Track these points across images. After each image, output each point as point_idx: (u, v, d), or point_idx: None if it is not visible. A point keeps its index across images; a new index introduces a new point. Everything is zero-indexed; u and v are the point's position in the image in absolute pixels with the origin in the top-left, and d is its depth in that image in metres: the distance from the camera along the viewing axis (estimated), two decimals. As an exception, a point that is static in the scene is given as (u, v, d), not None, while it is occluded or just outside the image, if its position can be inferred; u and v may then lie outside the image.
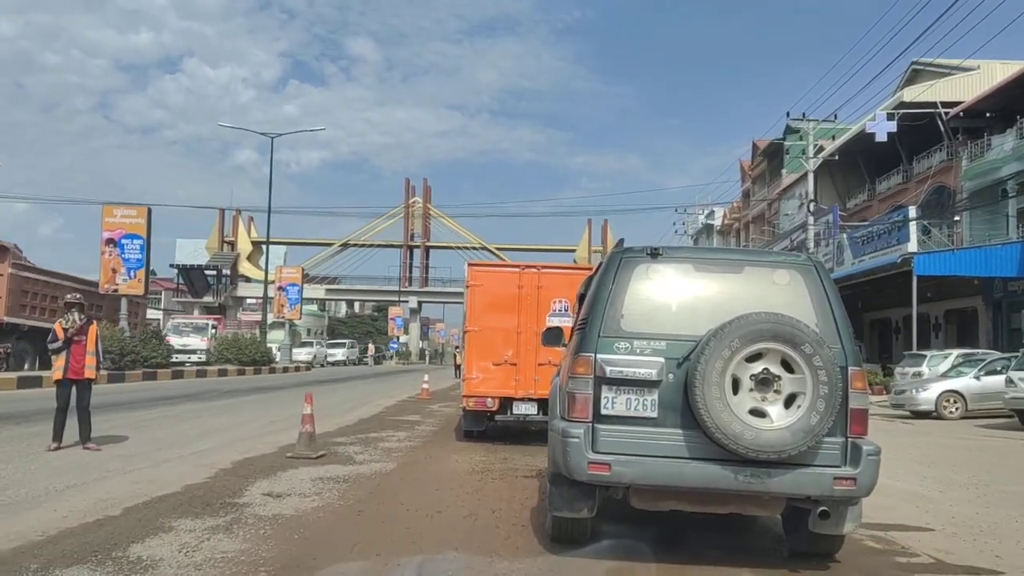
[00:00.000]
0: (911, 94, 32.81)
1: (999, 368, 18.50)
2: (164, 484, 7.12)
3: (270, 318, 45.88)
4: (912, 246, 26.87)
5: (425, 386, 22.33)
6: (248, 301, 69.55)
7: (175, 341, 32.66)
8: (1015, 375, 16.32)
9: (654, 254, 5.00)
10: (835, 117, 32.36)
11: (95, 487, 6.95)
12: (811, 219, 33.19)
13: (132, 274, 28.09)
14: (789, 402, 4.53)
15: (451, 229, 74.13)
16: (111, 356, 23.90)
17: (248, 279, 69.82)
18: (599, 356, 4.71)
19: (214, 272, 71.11)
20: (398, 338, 75.03)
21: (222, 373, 31.26)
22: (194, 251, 71.00)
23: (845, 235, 33.12)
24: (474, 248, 70.89)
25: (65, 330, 9.14)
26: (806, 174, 35.22)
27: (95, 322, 9.58)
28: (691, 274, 5.01)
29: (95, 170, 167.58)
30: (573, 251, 69.82)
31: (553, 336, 6.66)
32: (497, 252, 68.05)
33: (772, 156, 49.34)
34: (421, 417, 15.73)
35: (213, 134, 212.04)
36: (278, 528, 5.61)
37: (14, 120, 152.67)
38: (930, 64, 33.31)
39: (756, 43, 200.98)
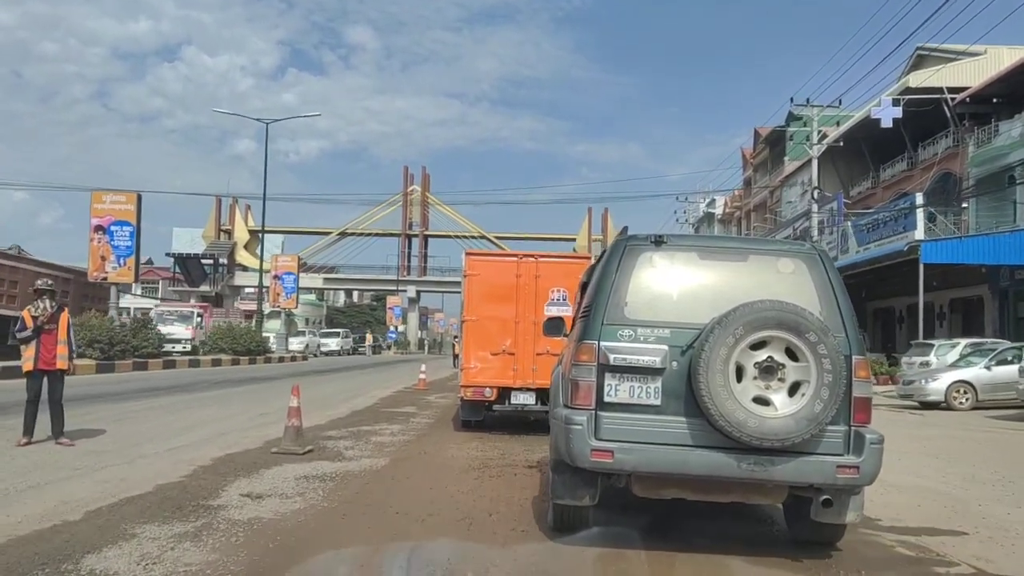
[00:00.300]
0: (917, 79, 32.24)
1: (1010, 358, 18.15)
2: (135, 484, 6.59)
3: (266, 307, 45.32)
4: (919, 233, 26.33)
5: (422, 376, 21.83)
6: (247, 290, 68.92)
7: (159, 330, 31.72)
8: (1030, 365, 15.86)
9: (658, 242, 4.96)
10: (839, 103, 31.83)
11: (59, 487, 6.42)
12: (815, 206, 32.67)
13: (122, 262, 27.42)
14: (793, 390, 4.51)
15: (450, 218, 73.54)
16: (100, 346, 23.37)
17: (245, 268, 69.09)
18: (603, 344, 4.68)
19: (211, 261, 70.59)
20: (396, 328, 74.49)
21: (216, 363, 30.71)
22: (191, 240, 70.40)
23: (849, 223, 32.57)
24: (473, 237, 70.27)
25: (35, 318, 8.58)
26: (809, 161, 34.71)
27: (66, 309, 9.02)
28: (695, 262, 4.97)
29: (94, 159, 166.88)
30: (573, 240, 69.14)
31: (554, 326, 6.67)
32: (496, 241, 67.44)
33: (774, 144, 48.75)
34: (417, 409, 15.26)
35: (212, 123, 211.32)
36: (252, 535, 5.08)
37: (12, 110, 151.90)
38: (936, 49, 32.72)
39: (757, 31, 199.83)
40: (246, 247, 70.21)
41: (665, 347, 4.65)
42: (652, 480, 4.74)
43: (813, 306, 4.68)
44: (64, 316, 8.84)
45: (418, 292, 76.99)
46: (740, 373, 4.50)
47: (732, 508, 5.47)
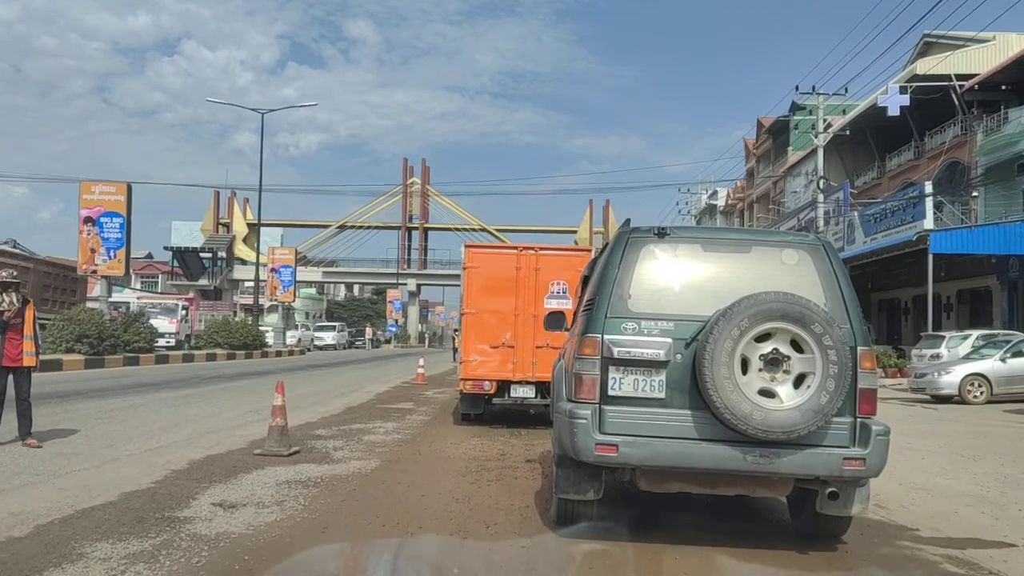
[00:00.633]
0: (924, 66, 31.57)
1: (1025, 350, 17.53)
2: (99, 491, 6.00)
3: (265, 301, 44.73)
4: (928, 223, 25.75)
5: (420, 371, 21.24)
6: (246, 284, 68.29)
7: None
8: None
9: (661, 234, 4.92)
10: (846, 91, 31.20)
11: (13, 496, 5.83)
12: (821, 196, 32.07)
13: (112, 254, 26.71)
14: (798, 382, 4.46)
15: (450, 211, 72.90)
16: (88, 341, 22.77)
17: (244, 262, 68.32)
18: (606, 337, 4.64)
19: (210, 255, 69.86)
20: (397, 321, 73.89)
21: (210, 358, 30.10)
22: (190, 233, 69.78)
23: (856, 213, 31.96)
24: (473, 230, 69.58)
25: (0, 313, 8.00)
26: (813, 151, 34.06)
27: (31, 303, 8.43)
28: (699, 254, 4.92)
29: (94, 154, 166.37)
30: (574, 232, 68.42)
31: (555, 320, 6.89)
32: (497, 234, 66.79)
33: (777, 134, 48.09)
34: (414, 405, 14.70)
35: (212, 117, 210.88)
36: (217, 554, 4.48)
37: (13, 104, 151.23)
38: (943, 36, 32.11)
39: (757, 23, 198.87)
40: (245, 240, 69.52)
41: (669, 340, 4.61)
42: (657, 474, 4.70)
43: (818, 297, 4.63)
44: (30, 310, 8.25)
45: (418, 285, 76.30)
46: (745, 365, 4.45)
47: (736, 501, 5.39)
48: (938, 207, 27.99)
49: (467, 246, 11.81)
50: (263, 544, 4.74)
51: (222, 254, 69.41)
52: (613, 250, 4.93)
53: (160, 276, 76.70)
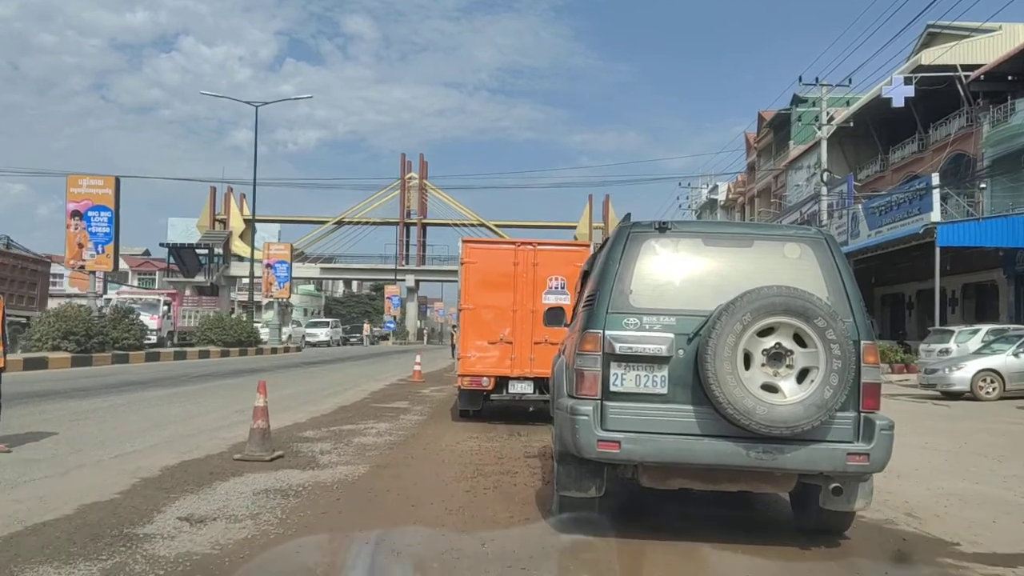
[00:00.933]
0: (929, 57, 31.01)
1: (1039, 344, 17.03)
2: (55, 503, 5.46)
3: (261, 297, 44.16)
4: (936, 215, 25.26)
5: (417, 368, 20.73)
6: (243, 280, 67.70)
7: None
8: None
9: (662, 228, 4.87)
10: (850, 82, 30.67)
11: (-39, 509, 5.32)
12: (824, 189, 31.55)
13: (100, 249, 26.07)
14: (802, 377, 4.42)
15: (449, 206, 72.29)
16: (75, 338, 22.19)
17: (241, 258, 67.56)
18: (607, 332, 4.60)
19: (206, 251, 69.21)
20: (395, 318, 73.33)
21: (203, 355, 29.54)
22: (186, 230, 69.10)
23: (860, 206, 31.43)
24: (472, 225, 69.04)
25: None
26: (815, 144, 33.57)
27: (2, 299, 7.91)
28: (700, 248, 4.88)
29: (92, 151, 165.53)
30: (574, 228, 67.76)
31: (554, 316, 6.73)
32: (496, 229, 66.19)
33: (779, 127, 47.54)
34: (409, 403, 14.19)
35: (210, 114, 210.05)
36: (174, 580, 3.98)
37: (10, 102, 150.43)
38: (947, 27, 31.49)
39: (756, 18, 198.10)
40: (241, 237, 68.76)
41: (671, 335, 4.58)
42: (659, 470, 4.68)
43: (820, 291, 4.58)
44: (-2, 305, 7.72)
45: (417, 281, 75.70)
46: (748, 360, 4.41)
47: (738, 497, 5.42)
48: (944, 199, 27.52)
49: (464, 241, 11.67)
50: (227, 568, 4.20)
51: (219, 250, 68.81)
52: (614, 245, 4.88)
53: (157, 273, 76.17)
